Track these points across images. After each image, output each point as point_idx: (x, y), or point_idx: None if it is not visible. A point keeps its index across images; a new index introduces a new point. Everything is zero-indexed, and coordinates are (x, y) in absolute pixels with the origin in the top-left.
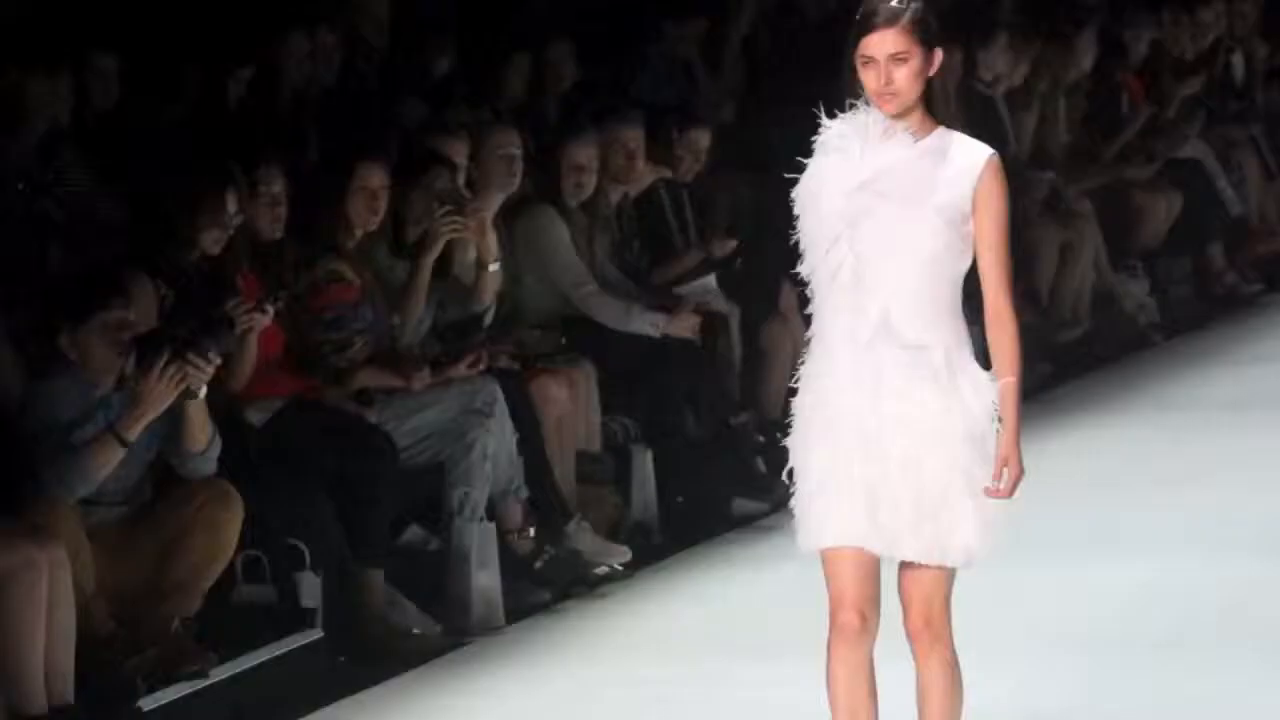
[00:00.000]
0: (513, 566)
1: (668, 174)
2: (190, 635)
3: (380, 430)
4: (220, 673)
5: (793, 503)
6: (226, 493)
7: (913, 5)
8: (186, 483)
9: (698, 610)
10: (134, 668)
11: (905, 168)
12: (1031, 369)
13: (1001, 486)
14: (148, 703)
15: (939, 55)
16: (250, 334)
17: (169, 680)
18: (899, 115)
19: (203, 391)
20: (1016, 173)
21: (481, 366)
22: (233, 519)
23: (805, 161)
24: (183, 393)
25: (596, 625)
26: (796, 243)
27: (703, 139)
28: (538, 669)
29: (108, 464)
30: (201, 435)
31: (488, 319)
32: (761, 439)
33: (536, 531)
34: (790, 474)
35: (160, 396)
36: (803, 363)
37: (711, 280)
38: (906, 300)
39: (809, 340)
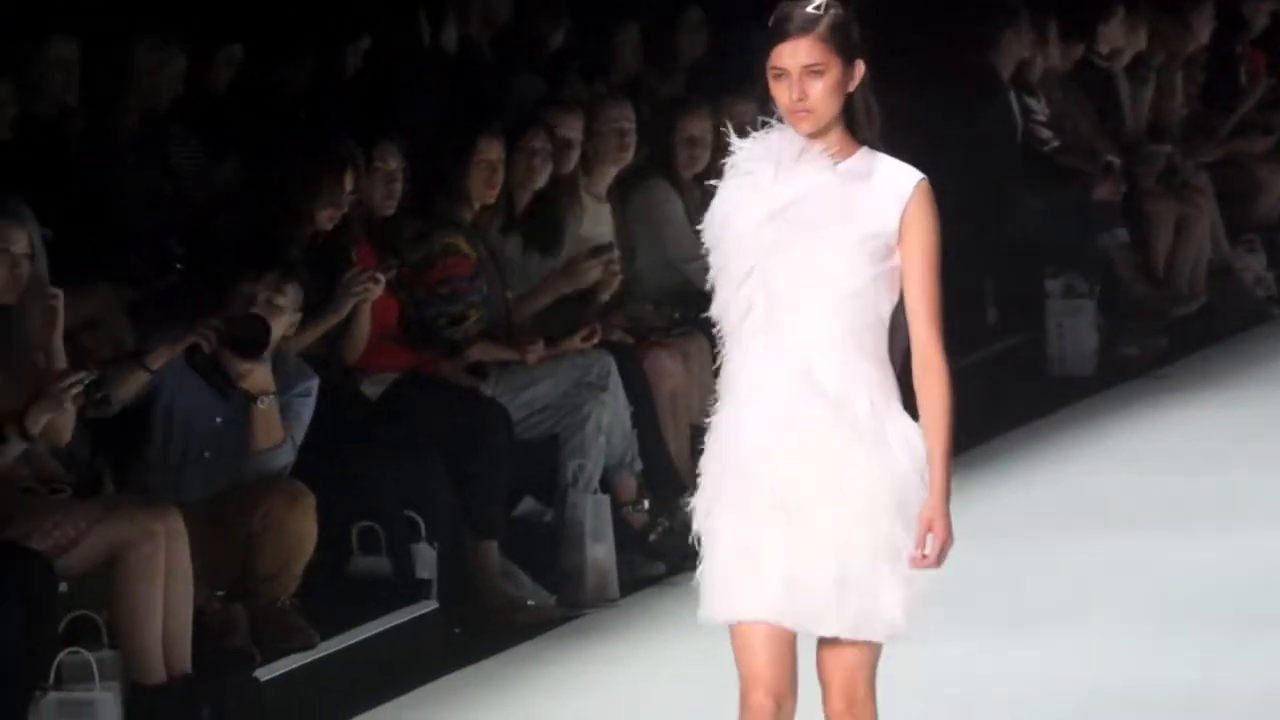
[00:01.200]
0: (627, 539)
1: None
2: (296, 610)
3: (495, 403)
4: (335, 644)
5: (698, 572)
6: (294, 494)
7: (831, 11)
8: (258, 485)
9: None
10: (249, 640)
11: (823, 194)
12: (1148, 343)
13: (928, 554)
14: (264, 673)
15: (860, 67)
16: (364, 305)
17: (282, 652)
18: (816, 135)
19: (269, 401)
20: (1134, 146)
21: (595, 340)
22: (302, 518)
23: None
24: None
25: None
26: None
27: None
28: (651, 641)
29: (131, 389)
30: (267, 435)
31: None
32: None
33: (650, 504)
34: (697, 539)
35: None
36: (711, 414)
37: None
38: (826, 344)
39: (717, 389)
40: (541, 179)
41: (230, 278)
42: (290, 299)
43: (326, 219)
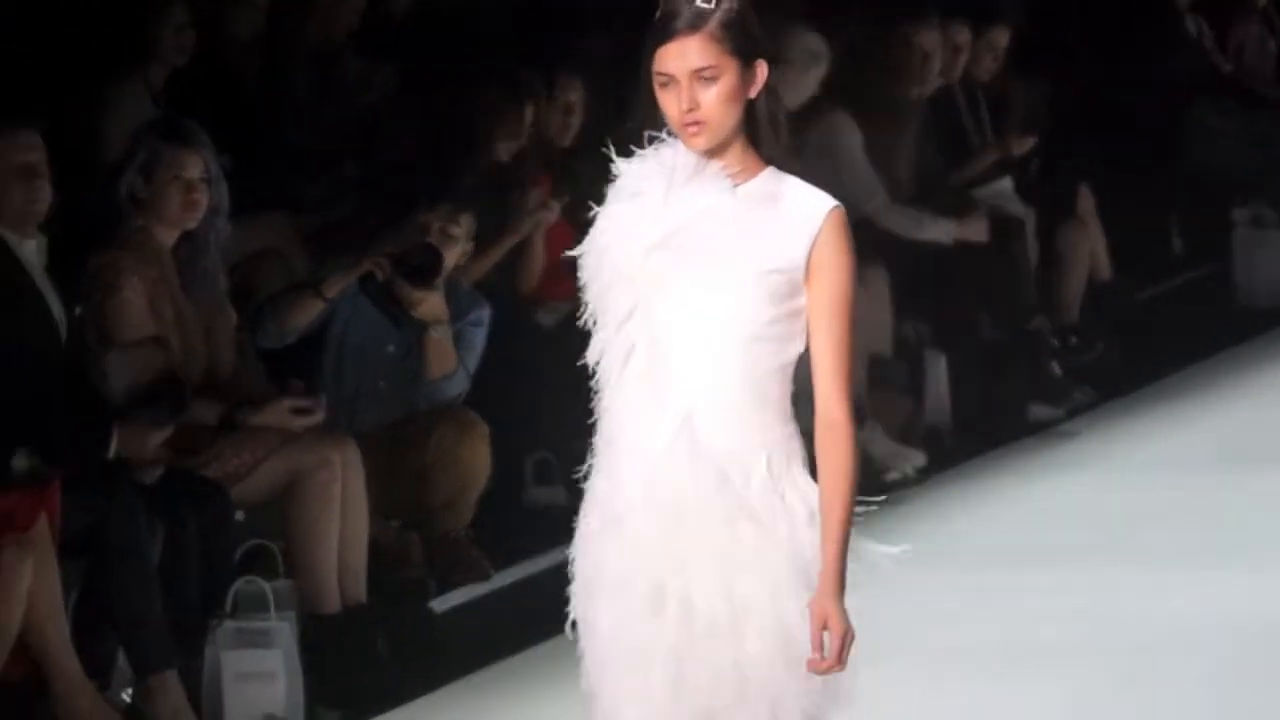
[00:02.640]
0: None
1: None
2: (470, 541)
3: None
4: (510, 575)
5: (581, 669)
6: (468, 423)
7: (723, 4)
8: (432, 414)
9: (990, 517)
10: (424, 570)
11: (719, 220)
12: None
13: (826, 656)
14: (439, 604)
15: (762, 69)
16: (539, 234)
17: (457, 583)
18: (712, 152)
19: (442, 329)
20: None
21: None
22: (476, 447)
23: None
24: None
25: (887, 531)
26: (1097, 145)
27: (1001, 38)
28: None
29: (306, 317)
30: (440, 364)
31: None
32: (1057, 344)
33: None
34: (574, 625)
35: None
36: (586, 474)
37: (1007, 183)
38: (715, 395)
39: (594, 445)
40: None
41: (405, 207)
42: (464, 229)
43: (504, 150)
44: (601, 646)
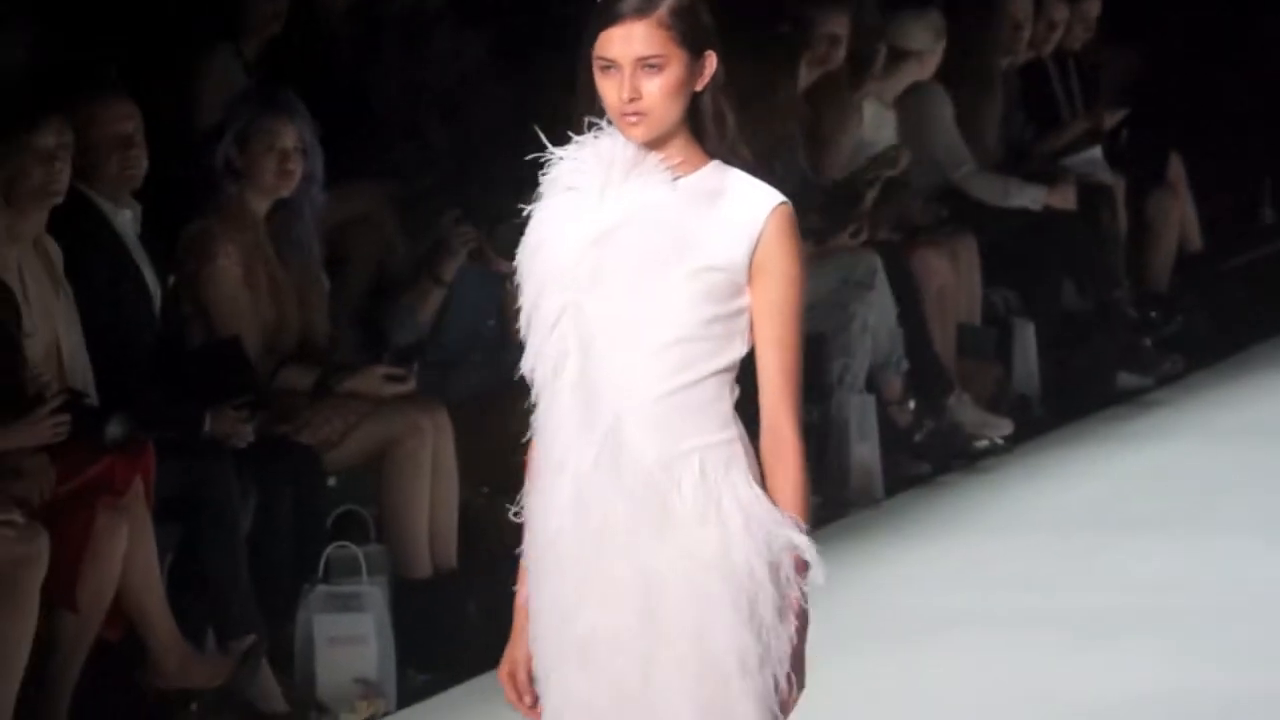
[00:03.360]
0: (892, 439)
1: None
2: None
3: None
4: None
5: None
6: None
7: None
8: (520, 382)
9: (1078, 485)
10: (514, 537)
11: (657, 216)
12: None
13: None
14: None
15: (711, 61)
16: None
17: None
18: (653, 144)
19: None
20: None
21: (862, 238)
22: None
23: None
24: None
25: (975, 499)
26: (1187, 113)
27: (1093, 8)
28: (915, 542)
29: (432, 306)
30: None
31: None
32: (1143, 314)
33: (916, 404)
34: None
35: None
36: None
37: (1097, 151)
38: (646, 402)
39: (529, 460)
40: (805, 78)
41: (496, 176)
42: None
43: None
44: (555, 700)
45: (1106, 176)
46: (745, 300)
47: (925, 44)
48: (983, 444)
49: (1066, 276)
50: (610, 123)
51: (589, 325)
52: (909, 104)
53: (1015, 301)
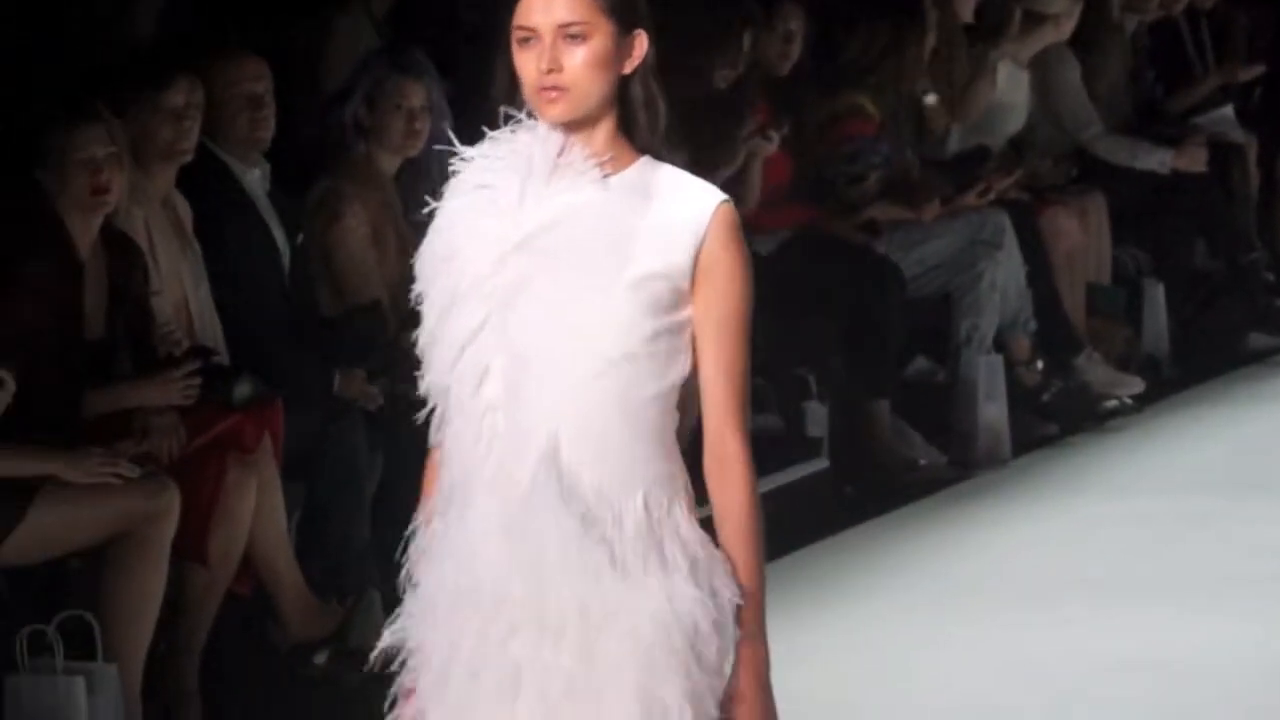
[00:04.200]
0: (1020, 399)
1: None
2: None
3: (888, 261)
4: None
5: None
6: None
7: None
8: None
9: (1207, 446)
10: None
11: (588, 218)
12: None
13: None
14: None
15: (642, 42)
16: (757, 161)
17: None
18: (575, 129)
19: None
20: None
21: (991, 197)
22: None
23: None
24: None
25: (1103, 459)
26: None
27: None
28: (1043, 502)
29: None
30: None
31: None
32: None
33: (1044, 364)
34: (393, 703)
35: None
36: (423, 531)
37: (1229, 110)
38: (584, 427)
39: (436, 492)
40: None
41: None
42: (679, 157)
43: (722, 78)
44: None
45: (1238, 135)
46: (688, 312)
47: (1062, 7)
48: (1111, 404)
49: (1198, 236)
50: (530, 114)
51: (514, 341)
52: (1037, 65)
53: (1145, 261)
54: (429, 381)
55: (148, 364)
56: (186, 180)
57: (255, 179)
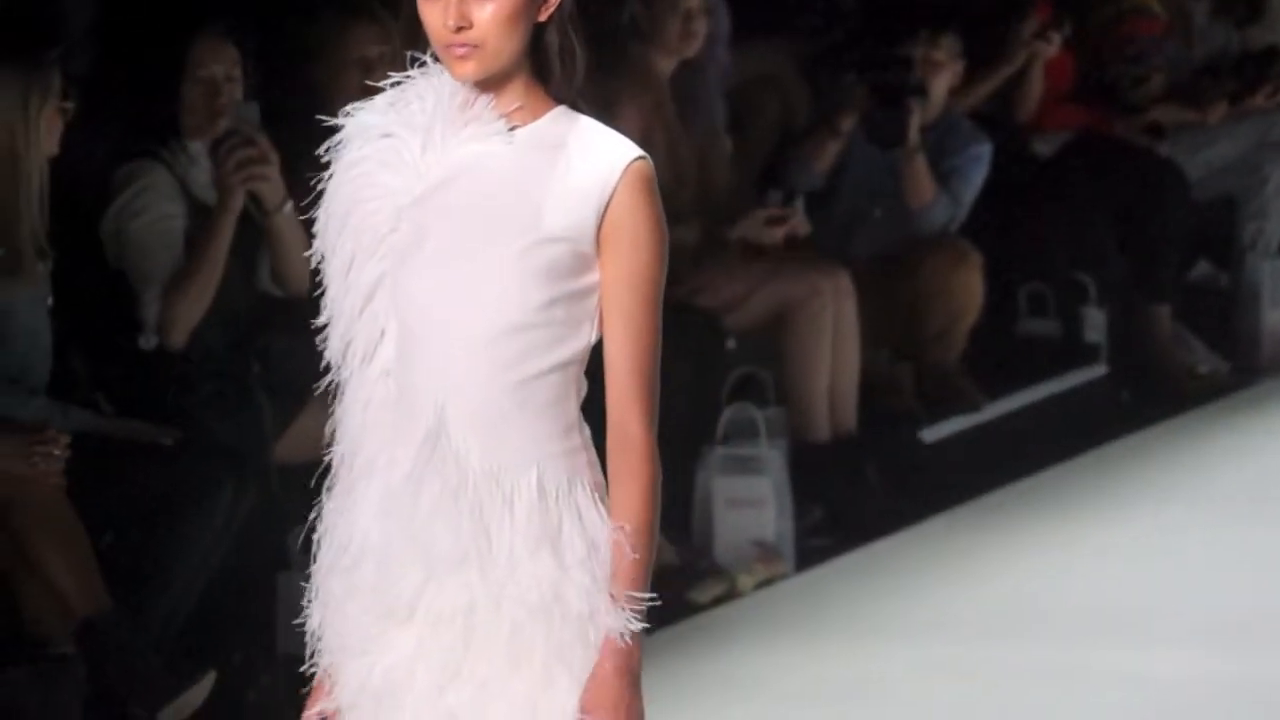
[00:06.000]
0: None
1: None
2: (962, 371)
3: (1170, 163)
4: (1001, 407)
5: None
6: (960, 252)
7: None
8: (924, 244)
9: None
10: (915, 400)
11: (487, 173)
12: None
13: None
14: (929, 434)
15: None
16: (1037, 62)
17: (948, 413)
18: (486, 86)
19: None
20: None
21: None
22: (968, 277)
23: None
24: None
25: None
26: None
27: None
28: None
29: (829, 158)
30: (915, 193)
31: None
32: None
33: None
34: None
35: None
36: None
37: None
38: (473, 399)
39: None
40: None
41: (895, 33)
42: (945, 51)
43: None
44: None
45: None
46: (593, 278)
47: None
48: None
49: None
50: (435, 59)
51: (407, 303)
52: None
53: None
54: (330, 349)
55: None
56: None
57: None
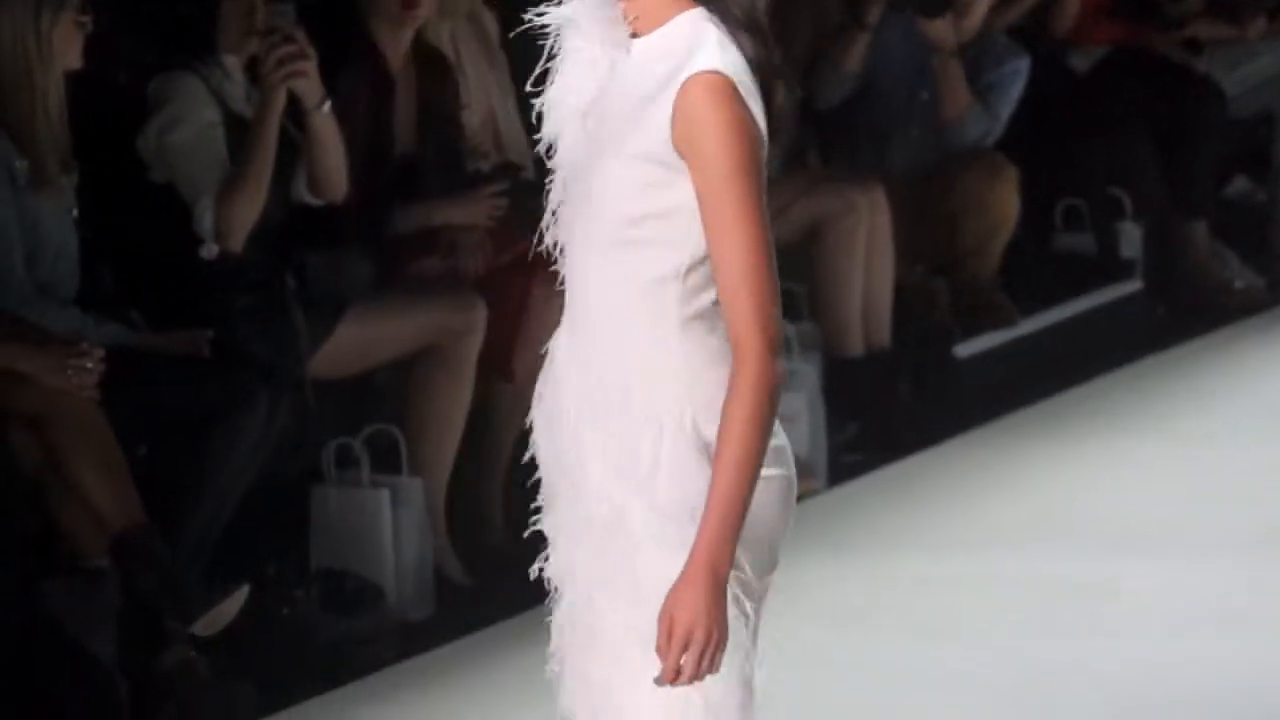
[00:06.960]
0: None
1: None
2: (998, 287)
3: (1208, 79)
4: (1036, 322)
5: None
6: (996, 167)
7: None
8: (960, 159)
9: None
10: (949, 315)
11: (615, 88)
12: None
13: (665, 668)
14: (963, 350)
15: None
16: None
17: (982, 329)
18: None
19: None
20: None
21: None
22: (1004, 193)
23: None
24: None
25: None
26: None
27: None
28: None
29: (856, 55)
30: (952, 104)
31: None
32: None
33: None
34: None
35: None
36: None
37: None
38: (596, 303)
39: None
40: None
41: None
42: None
43: None
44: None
45: None
46: (684, 192)
47: None
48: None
49: None
50: None
51: (565, 210)
52: None
53: None
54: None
55: (456, 180)
56: None
57: None
